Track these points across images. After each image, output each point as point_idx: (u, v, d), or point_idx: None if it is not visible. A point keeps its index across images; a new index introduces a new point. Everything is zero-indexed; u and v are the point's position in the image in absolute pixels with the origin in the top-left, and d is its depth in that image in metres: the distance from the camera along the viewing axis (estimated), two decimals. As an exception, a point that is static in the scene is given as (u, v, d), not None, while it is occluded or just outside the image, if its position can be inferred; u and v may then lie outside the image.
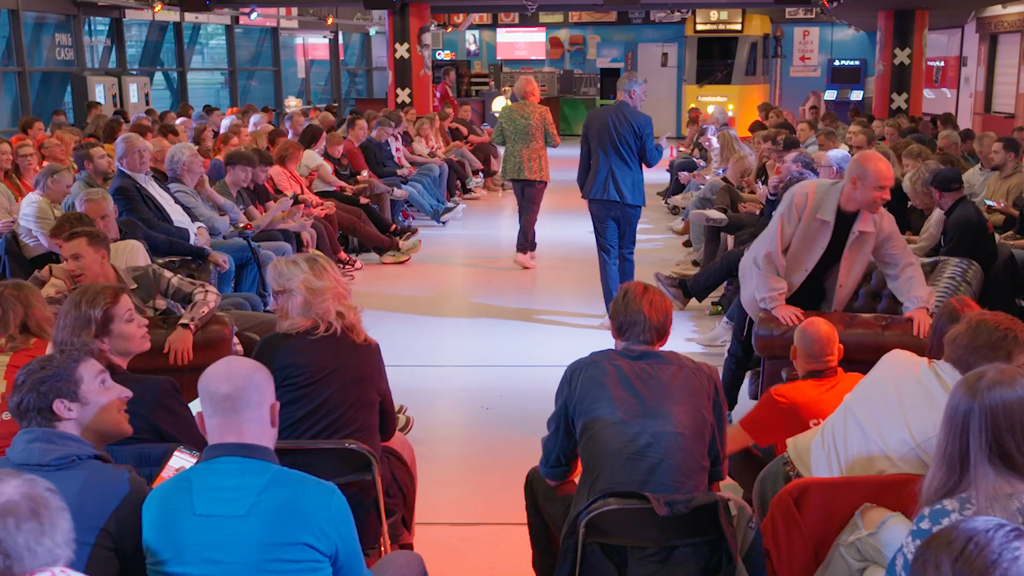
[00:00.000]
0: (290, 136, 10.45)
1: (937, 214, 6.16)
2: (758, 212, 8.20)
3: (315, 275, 3.36)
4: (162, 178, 7.09)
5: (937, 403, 2.86)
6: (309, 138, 9.98)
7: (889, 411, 2.94)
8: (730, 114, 15.64)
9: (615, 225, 7.08)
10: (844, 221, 4.55)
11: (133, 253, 5.28)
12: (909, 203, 6.60)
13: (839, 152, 6.57)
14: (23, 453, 2.39)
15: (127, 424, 2.65)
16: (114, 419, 2.60)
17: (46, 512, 1.79)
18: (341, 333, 3.33)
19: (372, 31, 24.39)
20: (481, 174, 14.40)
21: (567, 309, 7.84)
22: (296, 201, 8.54)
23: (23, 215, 6.26)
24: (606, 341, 3.19)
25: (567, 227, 11.27)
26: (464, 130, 15.07)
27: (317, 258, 3.50)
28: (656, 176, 14.34)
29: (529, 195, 9.06)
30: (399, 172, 11.34)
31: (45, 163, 7.80)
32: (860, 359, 3.67)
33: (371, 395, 3.38)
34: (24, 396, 2.45)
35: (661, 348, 3.09)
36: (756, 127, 11.98)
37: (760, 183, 8.78)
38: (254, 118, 11.67)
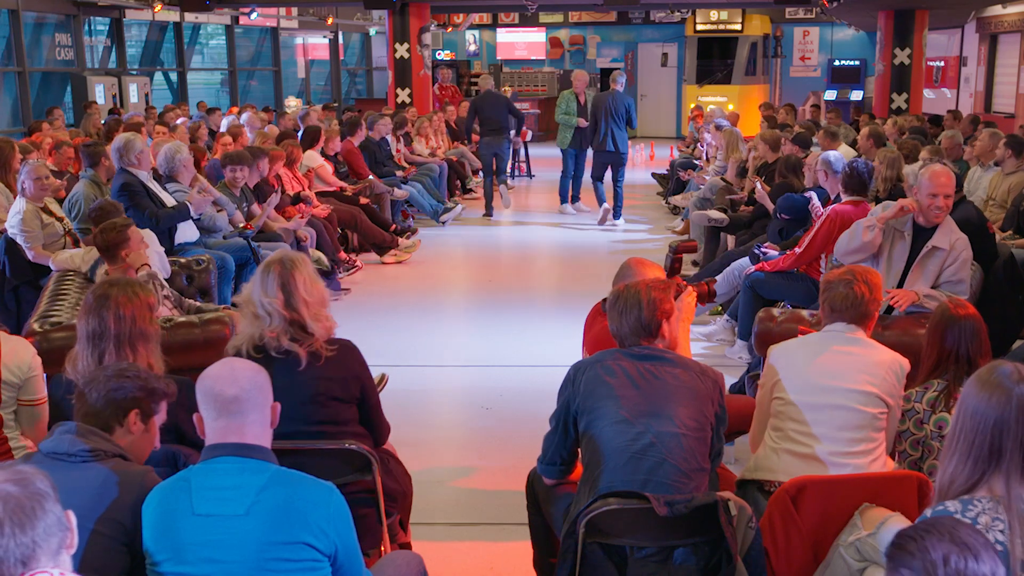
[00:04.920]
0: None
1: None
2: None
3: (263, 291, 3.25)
4: (156, 177, 7.06)
5: (852, 353, 3.19)
6: (309, 138, 9.96)
7: (835, 395, 3.12)
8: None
9: (608, 167, 11.12)
10: (921, 235, 4.61)
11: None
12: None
13: (834, 152, 6.51)
14: (53, 442, 2.44)
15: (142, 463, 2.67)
16: (140, 454, 2.62)
17: (20, 514, 1.73)
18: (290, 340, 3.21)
19: (372, 31, 24.40)
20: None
21: (567, 309, 7.84)
22: (297, 200, 8.54)
23: (9, 225, 6.22)
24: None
25: (567, 227, 11.27)
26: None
27: (272, 266, 3.29)
28: (642, 176, 14.42)
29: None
30: (398, 173, 11.32)
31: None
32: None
33: (334, 387, 3.26)
34: (106, 390, 2.53)
35: (665, 349, 3.08)
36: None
37: (759, 184, 8.76)
38: (243, 117, 11.64)
